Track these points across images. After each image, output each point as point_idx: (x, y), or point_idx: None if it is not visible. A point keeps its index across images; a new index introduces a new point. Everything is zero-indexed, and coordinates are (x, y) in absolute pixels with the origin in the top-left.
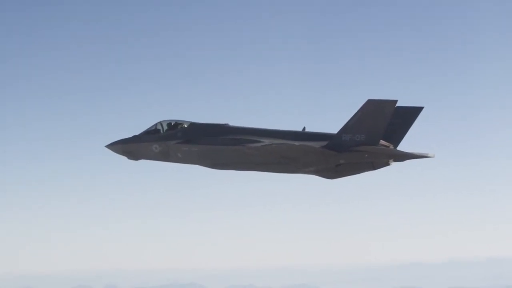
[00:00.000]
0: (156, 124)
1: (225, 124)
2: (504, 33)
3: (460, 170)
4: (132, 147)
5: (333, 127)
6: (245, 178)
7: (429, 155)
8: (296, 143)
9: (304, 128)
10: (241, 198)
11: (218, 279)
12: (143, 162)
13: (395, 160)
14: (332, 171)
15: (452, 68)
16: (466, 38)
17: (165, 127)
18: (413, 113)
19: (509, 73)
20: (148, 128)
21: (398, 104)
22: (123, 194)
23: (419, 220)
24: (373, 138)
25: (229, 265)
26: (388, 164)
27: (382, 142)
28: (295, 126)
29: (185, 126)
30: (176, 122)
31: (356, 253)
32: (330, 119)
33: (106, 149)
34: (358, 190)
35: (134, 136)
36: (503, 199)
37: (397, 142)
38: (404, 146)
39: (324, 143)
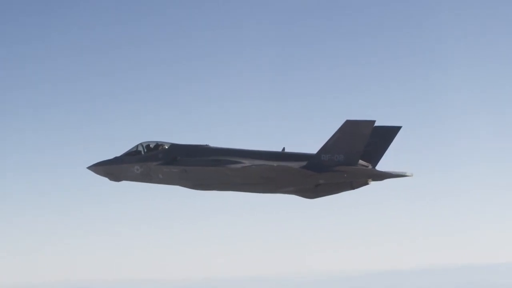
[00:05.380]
0: (137, 146)
1: (206, 145)
2: (479, 52)
3: (437, 188)
4: (113, 169)
5: (313, 147)
6: (224, 198)
7: (407, 174)
8: (275, 164)
9: (283, 149)
10: (217, 216)
11: None
12: (124, 183)
13: (374, 180)
14: (312, 191)
15: (430, 87)
16: (443, 57)
17: (146, 149)
18: (391, 132)
19: (487, 93)
20: (129, 150)
21: (376, 124)
22: (104, 212)
23: (395, 228)
24: (352, 158)
25: (215, 274)
26: (367, 184)
27: (361, 162)
28: (275, 146)
29: (166, 147)
30: (157, 144)
31: (332, 262)
32: (309, 140)
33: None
34: (337, 208)
35: (115, 158)
36: (478, 210)
37: (375, 161)
38: (382, 165)
39: (303, 163)
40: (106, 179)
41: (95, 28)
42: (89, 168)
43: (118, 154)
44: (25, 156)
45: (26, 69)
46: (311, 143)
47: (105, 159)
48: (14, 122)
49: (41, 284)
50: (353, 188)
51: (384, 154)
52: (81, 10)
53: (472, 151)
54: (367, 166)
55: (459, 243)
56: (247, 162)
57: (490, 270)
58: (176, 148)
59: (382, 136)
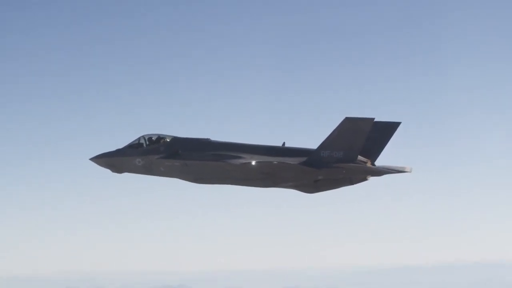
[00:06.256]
0: (139, 138)
1: (207, 139)
2: (480, 50)
3: (437, 183)
4: (115, 161)
5: (313, 142)
6: (224, 192)
7: (406, 170)
8: (275, 160)
9: (283, 144)
10: (217, 209)
11: (207, 282)
12: (126, 175)
13: (373, 175)
14: (311, 186)
15: (431, 84)
16: (443, 54)
17: (148, 142)
18: (390, 128)
19: (487, 91)
20: (131, 142)
21: (375, 120)
22: (109, 202)
23: (405, 224)
24: (351, 155)
25: (218, 267)
26: (366, 179)
27: (360, 158)
28: (275, 141)
29: (168, 140)
30: (158, 137)
31: (342, 258)
32: (310, 135)
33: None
34: (337, 203)
35: (118, 150)
36: (488, 205)
37: (375, 156)
38: (382, 160)
39: (303, 159)
40: (108, 171)
41: (101, 21)
42: (92, 159)
43: (121, 146)
44: (28, 148)
45: (31, 61)
46: (311, 138)
47: (107, 151)
48: (18, 114)
49: (43, 276)
50: (352, 184)
51: (384, 150)
52: (88, 4)
53: (472, 147)
54: (366, 162)
55: (460, 239)
56: (247, 157)
57: (497, 267)
58: (177, 142)
59: (382, 132)
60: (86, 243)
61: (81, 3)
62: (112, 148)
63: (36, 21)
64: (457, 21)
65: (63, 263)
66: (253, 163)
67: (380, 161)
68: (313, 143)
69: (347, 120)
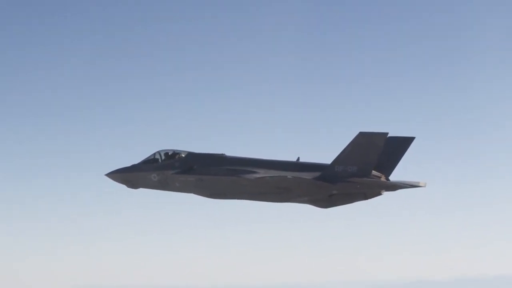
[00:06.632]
0: (154, 154)
1: (222, 154)
2: (496, 63)
3: (454, 195)
4: (131, 176)
5: (327, 157)
6: (239, 206)
7: (420, 185)
8: (289, 175)
9: (298, 159)
10: (236, 222)
11: None
12: (141, 190)
13: (387, 190)
14: (325, 200)
15: (444, 98)
16: (457, 68)
17: (163, 157)
18: (404, 143)
19: (505, 103)
20: (147, 158)
21: (389, 135)
22: (124, 217)
23: (419, 239)
24: (365, 169)
25: (232, 282)
26: (380, 194)
27: (374, 172)
28: (290, 156)
29: (183, 155)
30: (173, 152)
31: (356, 273)
32: (324, 150)
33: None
34: (351, 217)
35: (133, 165)
36: (506, 218)
37: (389, 171)
38: (396, 175)
39: (317, 174)
40: (123, 186)
41: (114, 33)
42: (107, 175)
43: (136, 162)
44: (42, 162)
45: (48, 70)
46: (325, 153)
47: (123, 166)
48: (31, 127)
49: None
50: (367, 198)
51: (398, 164)
52: (102, 13)
53: (487, 161)
54: (380, 176)
55: (478, 254)
56: (262, 172)
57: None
58: (192, 157)
59: (396, 146)
60: (100, 257)
61: (95, 13)
62: (127, 163)
63: (52, 31)
64: (474, 35)
65: (77, 278)
66: (268, 178)
67: (394, 176)
68: (327, 158)
69: (361, 135)
